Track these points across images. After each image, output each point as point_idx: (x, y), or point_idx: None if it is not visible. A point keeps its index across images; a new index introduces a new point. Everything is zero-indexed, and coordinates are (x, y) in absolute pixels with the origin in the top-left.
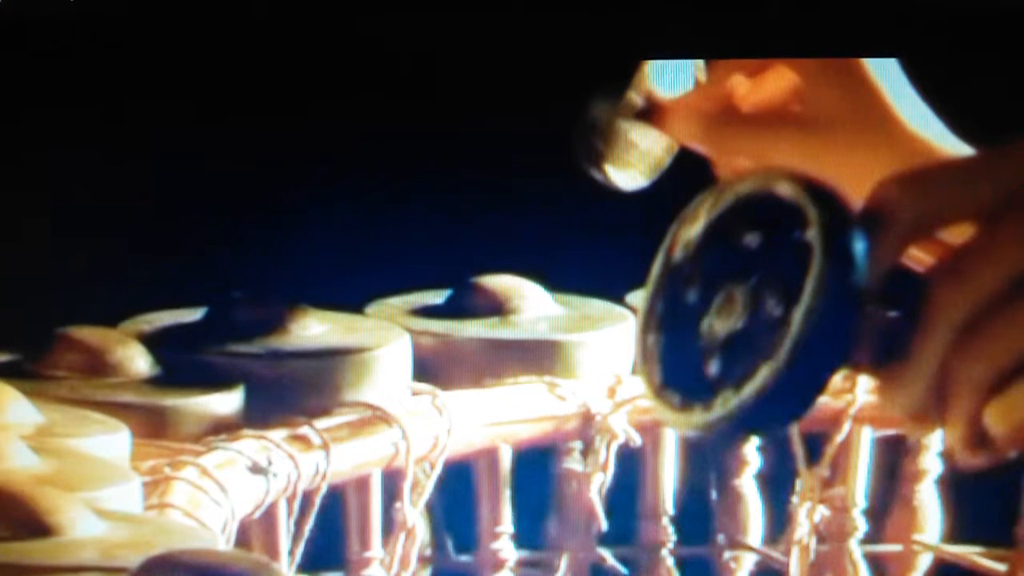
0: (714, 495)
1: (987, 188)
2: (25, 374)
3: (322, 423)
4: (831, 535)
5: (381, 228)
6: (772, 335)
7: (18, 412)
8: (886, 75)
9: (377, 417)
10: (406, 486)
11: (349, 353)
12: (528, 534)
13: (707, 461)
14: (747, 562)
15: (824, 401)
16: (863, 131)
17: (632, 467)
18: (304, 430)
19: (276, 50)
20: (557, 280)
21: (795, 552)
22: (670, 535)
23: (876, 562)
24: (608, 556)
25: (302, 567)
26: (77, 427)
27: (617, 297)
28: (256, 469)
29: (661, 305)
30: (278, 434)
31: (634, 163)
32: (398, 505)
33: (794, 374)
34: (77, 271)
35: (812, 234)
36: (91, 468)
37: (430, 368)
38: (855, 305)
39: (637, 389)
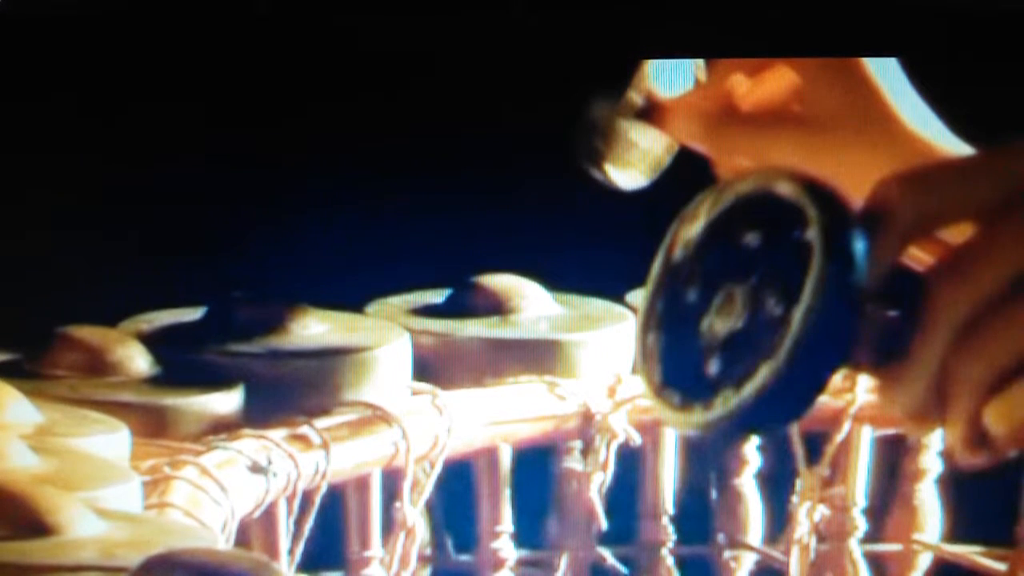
0: (714, 495)
1: (987, 188)
2: (25, 374)
3: (322, 423)
4: (831, 535)
5: (381, 228)
6: (772, 334)
7: (18, 412)
8: (886, 75)
9: (377, 417)
10: (406, 486)
11: (349, 353)
12: (528, 534)
13: (707, 461)
14: (747, 562)
15: (824, 401)
16: (863, 131)
17: (632, 467)
18: (304, 430)
19: (277, 50)
20: (557, 280)
21: (795, 552)
22: (670, 535)
23: (876, 562)
24: (608, 556)
25: (302, 567)
26: (77, 427)
27: (617, 297)
28: (256, 468)
29: (661, 304)
30: (278, 434)
31: (634, 163)
32: (398, 505)
33: (794, 373)
34: (77, 271)
35: (812, 234)
36: (91, 468)
37: (430, 367)
38: (855, 305)
39: (637, 389)
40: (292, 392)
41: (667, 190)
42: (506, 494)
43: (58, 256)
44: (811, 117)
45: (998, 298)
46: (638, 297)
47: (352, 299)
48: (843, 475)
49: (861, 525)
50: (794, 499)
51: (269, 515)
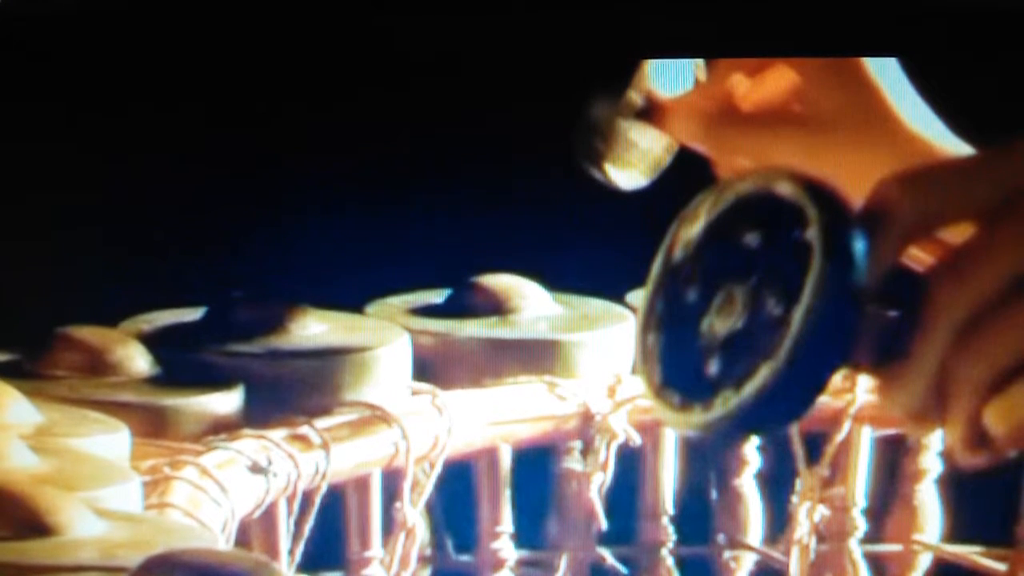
0: (714, 495)
1: (987, 188)
2: (25, 374)
3: (322, 423)
4: (831, 535)
5: (381, 228)
6: (772, 335)
7: (18, 412)
8: (886, 75)
9: (377, 417)
10: (406, 486)
11: (349, 353)
12: (528, 534)
13: (707, 461)
14: (747, 562)
15: (824, 401)
16: (863, 131)
17: (632, 467)
18: (304, 430)
19: (276, 50)
20: (557, 280)
21: (795, 552)
22: (670, 535)
23: (876, 562)
24: (608, 556)
25: (302, 567)
26: (77, 427)
27: (617, 297)
28: (256, 469)
29: (661, 305)
30: (278, 434)
31: (634, 163)
32: (398, 505)
33: (794, 373)
34: (77, 271)
35: (812, 234)
36: (91, 468)
37: (430, 368)
38: (855, 305)
39: (637, 389)
40: (292, 392)
41: (667, 190)
42: (506, 494)
43: (58, 256)
44: (811, 117)
45: (998, 298)
46: (638, 297)
47: (352, 299)
48: (843, 475)
49: (861, 525)
50: (794, 499)
51: (269, 515)
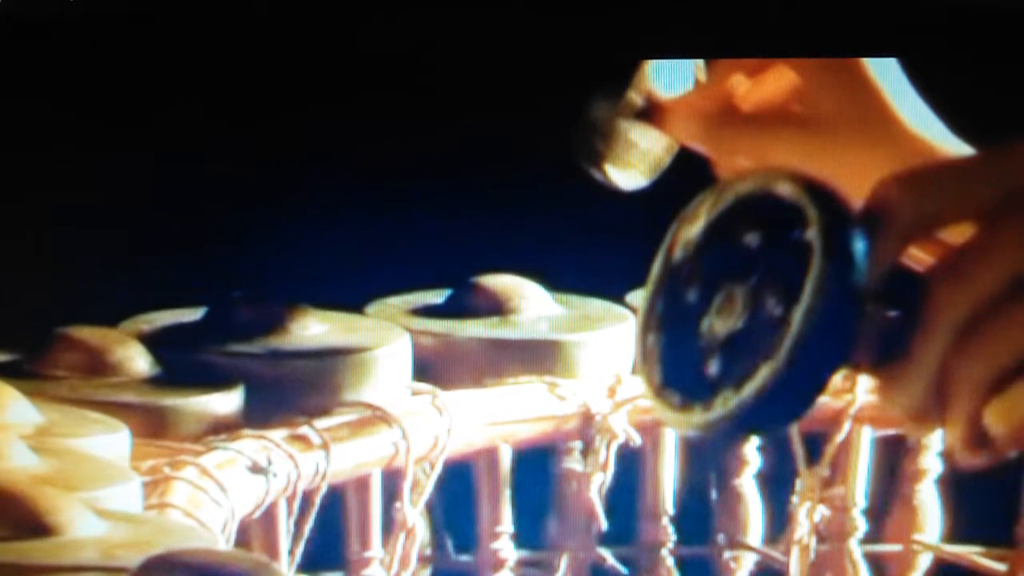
0: (714, 495)
1: (987, 188)
2: (25, 374)
3: (322, 423)
4: (831, 535)
5: (381, 228)
6: (772, 335)
7: (18, 412)
8: (886, 75)
9: (377, 417)
10: (406, 486)
11: (349, 353)
12: (528, 534)
13: (707, 461)
14: (747, 562)
15: (824, 401)
16: (863, 131)
17: (632, 467)
18: (304, 430)
19: (277, 50)
20: (557, 280)
21: (795, 552)
22: (670, 535)
23: (876, 562)
24: (608, 556)
25: (302, 567)
26: (77, 427)
27: (617, 297)
28: (256, 469)
29: (661, 305)
30: (278, 434)
31: (634, 163)
32: (398, 505)
33: (794, 374)
34: (77, 271)
35: (812, 234)
36: (91, 468)
37: (430, 368)
38: (855, 305)
39: (637, 389)
40: (292, 392)
41: (667, 190)
42: (506, 494)
43: (58, 256)
44: (811, 117)
45: (998, 298)
46: (638, 297)
47: (352, 299)
48: (843, 475)
49: (861, 525)
50: (794, 499)
51: (269, 515)
